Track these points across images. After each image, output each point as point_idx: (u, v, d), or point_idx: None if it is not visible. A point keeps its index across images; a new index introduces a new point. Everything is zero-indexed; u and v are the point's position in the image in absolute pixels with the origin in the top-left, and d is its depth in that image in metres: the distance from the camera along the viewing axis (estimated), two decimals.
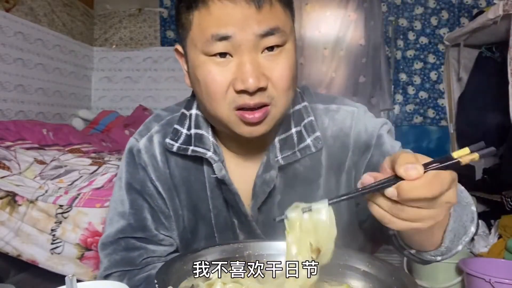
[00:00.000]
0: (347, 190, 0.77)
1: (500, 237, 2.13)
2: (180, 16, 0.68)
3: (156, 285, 0.48)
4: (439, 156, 0.46)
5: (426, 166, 0.45)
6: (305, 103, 0.78)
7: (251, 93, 0.63)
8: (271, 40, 0.64)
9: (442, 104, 3.64)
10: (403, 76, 3.80)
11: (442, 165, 0.45)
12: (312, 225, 0.51)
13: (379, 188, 0.47)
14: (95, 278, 1.75)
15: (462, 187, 0.67)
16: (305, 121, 0.76)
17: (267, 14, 0.62)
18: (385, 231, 0.68)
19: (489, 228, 2.32)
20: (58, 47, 3.40)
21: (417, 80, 3.78)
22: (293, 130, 0.75)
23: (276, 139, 0.75)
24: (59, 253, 1.78)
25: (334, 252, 0.53)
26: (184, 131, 0.77)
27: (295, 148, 0.74)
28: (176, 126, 0.78)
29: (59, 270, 1.77)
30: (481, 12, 2.76)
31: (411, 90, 3.80)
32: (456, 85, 3.07)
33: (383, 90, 3.59)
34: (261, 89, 0.64)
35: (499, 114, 2.56)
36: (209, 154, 0.74)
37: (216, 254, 0.61)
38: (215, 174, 0.73)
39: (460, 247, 0.63)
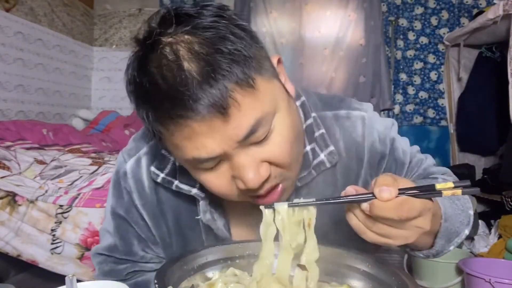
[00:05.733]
0: None
1: (500, 237, 2.13)
2: (140, 116, 0.57)
3: (156, 285, 0.47)
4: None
5: (403, 190, 0.49)
6: (314, 114, 0.71)
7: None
8: (257, 136, 0.55)
9: (442, 104, 3.64)
10: (403, 76, 3.79)
11: (417, 193, 0.49)
12: (295, 219, 0.56)
13: (356, 201, 0.52)
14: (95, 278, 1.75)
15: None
16: (316, 134, 0.70)
17: (237, 118, 0.52)
18: None
19: (489, 228, 2.32)
20: (58, 47, 3.40)
21: (417, 80, 3.78)
22: (308, 147, 0.69)
23: None
24: (59, 253, 1.78)
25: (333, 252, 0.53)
26: (172, 158, 0.71)
27: (310, 167, 0.69)
28: (163, 151, 0.71)
29: (59, 270, 1.77)
30: (481, 12, 2.77)
31: (411, 90, 3.79)
32: (456, 85, 3.08)
33: (383, 90, 3.59)
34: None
35: (499, 114, 2.56)
36: (194, 191, 0.68)
37: (216, 254, 0.61)
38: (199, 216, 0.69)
39: (451, 247, 0.66)
